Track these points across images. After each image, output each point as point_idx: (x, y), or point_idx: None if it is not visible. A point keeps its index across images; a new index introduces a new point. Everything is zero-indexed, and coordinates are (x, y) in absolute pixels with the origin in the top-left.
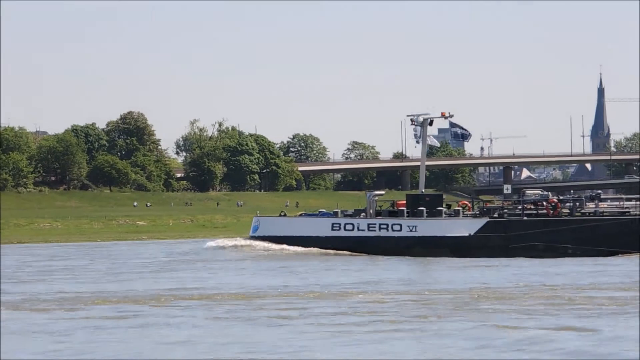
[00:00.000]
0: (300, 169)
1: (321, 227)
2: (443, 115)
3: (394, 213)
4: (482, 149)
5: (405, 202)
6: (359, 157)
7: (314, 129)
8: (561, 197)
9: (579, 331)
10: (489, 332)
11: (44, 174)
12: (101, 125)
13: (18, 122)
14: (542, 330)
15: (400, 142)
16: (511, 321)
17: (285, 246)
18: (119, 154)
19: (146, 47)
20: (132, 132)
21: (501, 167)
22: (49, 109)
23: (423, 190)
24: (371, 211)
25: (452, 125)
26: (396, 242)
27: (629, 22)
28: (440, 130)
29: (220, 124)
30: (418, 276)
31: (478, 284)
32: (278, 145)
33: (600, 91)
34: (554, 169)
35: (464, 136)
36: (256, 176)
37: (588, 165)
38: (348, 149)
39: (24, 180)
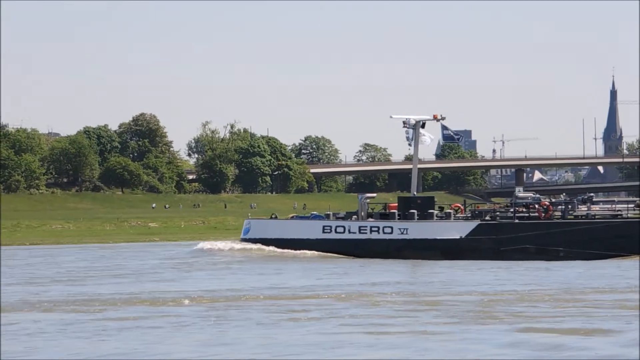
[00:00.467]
0: (312, 171)
1: (312, 230)
2: (435, 118)
3: (385, 215)
4: (494, 151)
5: (397, 204)
6: (370, 159)
7: (325, 131)
8: (553, 200)
9: None
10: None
11: (56, 175)
12: (113, 127)
13: (30, 124)
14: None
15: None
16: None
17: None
18: (131, 155)
19: (159, 49)
20: (144, 133)
21: (513, 170)
22: (61, 110)
23: (415, 193)
24: (362, 213)
25: (444, 127)
26: (387, 244)
27: None
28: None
29: (232, 126)
30: (439, 278)
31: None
32: (290, 147)
33: (613, 93)
34: (566, 172)
35: (455, 138)
36: (268, 178)
37: (600, 168)
38: (360, 151)
39: (36, 181)
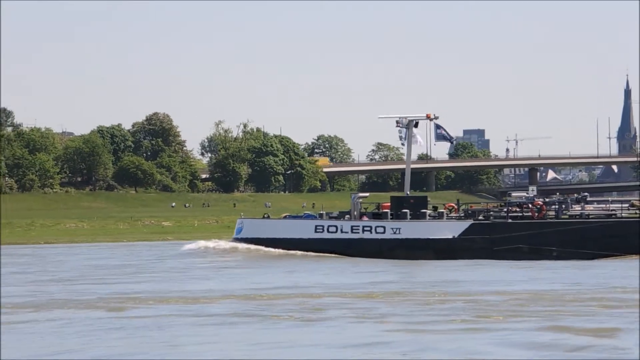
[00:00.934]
0: (325, 170)
1: (304, 229)
2: (428, 117)
3: (378, 215)
4: (507, 150)
5: (389, 204)
6: (383, 158)
7: (338, 130)
8: (547, 200)
9: None
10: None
11: (70, 174)
12: (127, 126)
13: (44, 123)
14: None
15: (425, 144)
16: None
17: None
18: (144, 154)
19: (172, 48)
20: (157, 133)
21: (526, 169)
22: (75, 109)
23: (408, 193)
24: (355, 213)
25: (437, 127)
26: (379, 244)
27: None
28: (466, 132)
29: (245, 125)
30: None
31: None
32: (303, 147)
33: (627, 92)
34: (580, 171)
35: (448, 139)
36: (281, 177)
37: (614, 167)
38: (373, 150)
39: (50, 181)
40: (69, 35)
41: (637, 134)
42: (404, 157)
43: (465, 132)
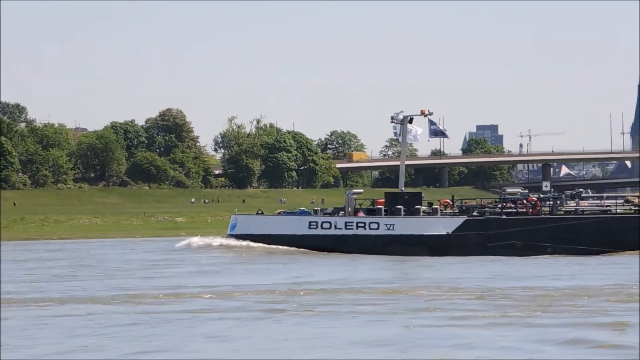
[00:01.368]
0: (338, 166)
1: (298, 226)
2: (423, 113)
3: (372, 211)
4: (520, 146)
5: (384, 200)
6: (396, 154)
7: (352, 126)
8: (541, 196)
9: None
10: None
11: (83, 170)
12: (140, 122)
13: (58, 119)
14: None
15: (438, 140)
16: None
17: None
18: (157, 150)
19: (186, 44)
20: (170, 129)
21: (540, 165)
22: (88, 105)
23: (403, 189)
24: (349, 209)
25: (431, 122)
26: (373, 240)
27: None
28: (479, 127)
29: (258, 121)
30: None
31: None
32: (316, 142)
33: None
34: (594, 166)
35: (442, 134)
36: (294, 173)
37: (628, 163)
38: (386, 146)
39: (64, 176)
40: (82, 33)
41: None
42: (417, 153)
43: (479, 127)
